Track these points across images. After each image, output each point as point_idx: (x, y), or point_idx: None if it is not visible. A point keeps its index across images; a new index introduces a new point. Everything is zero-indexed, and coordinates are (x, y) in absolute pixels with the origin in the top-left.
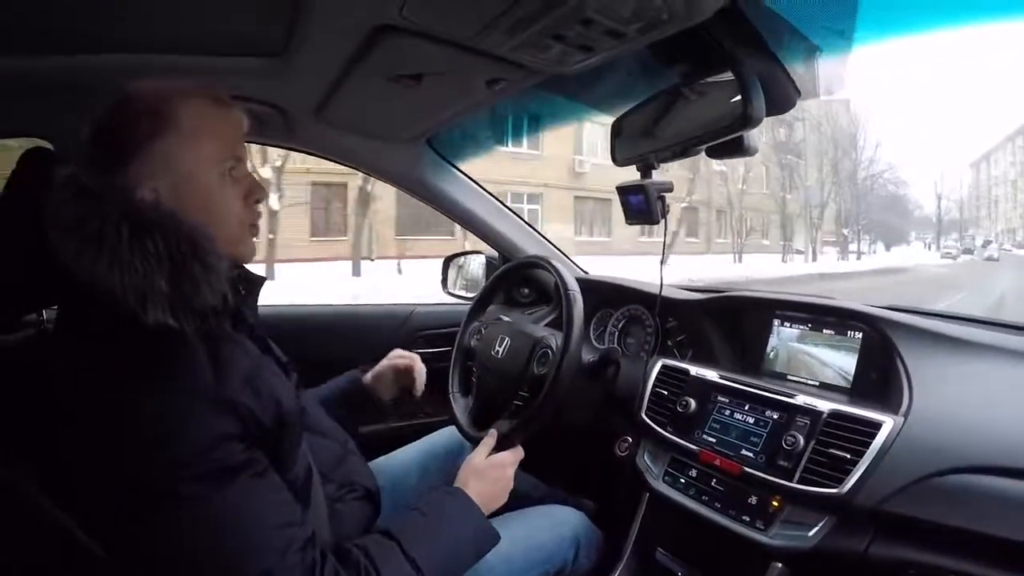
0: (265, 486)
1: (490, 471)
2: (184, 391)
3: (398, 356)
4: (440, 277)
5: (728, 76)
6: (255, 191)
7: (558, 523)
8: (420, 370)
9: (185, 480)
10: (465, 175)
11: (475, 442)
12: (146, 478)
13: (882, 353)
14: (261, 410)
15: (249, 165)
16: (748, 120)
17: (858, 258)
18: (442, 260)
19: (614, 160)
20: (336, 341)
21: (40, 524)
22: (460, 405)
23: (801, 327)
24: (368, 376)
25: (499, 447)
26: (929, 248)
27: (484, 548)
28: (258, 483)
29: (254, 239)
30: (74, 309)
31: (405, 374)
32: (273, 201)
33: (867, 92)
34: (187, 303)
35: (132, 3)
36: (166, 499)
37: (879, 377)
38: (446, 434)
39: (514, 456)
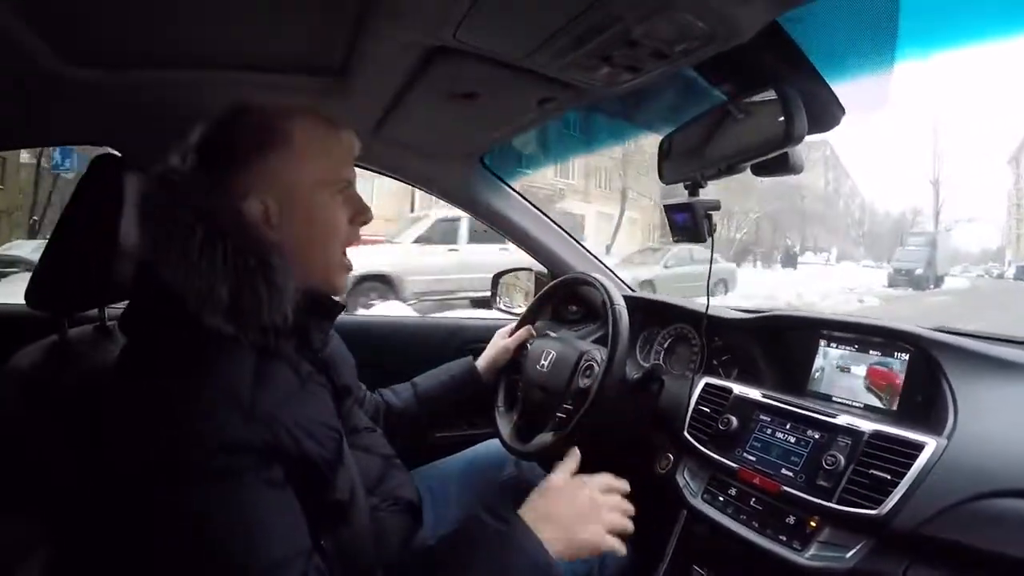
0: (273, 498)
1: (574, 489)
2: (219, 393)
3: (506, 336)
4: (489, 292)
5: (773, 95)
6: (362, 213)
7: None
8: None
9: (190, 473)
10: (516, 192)
11: (519, 455)
12: (156, 462)
13: (928, 374)
14: (295, 432)
15: None
16: (790, 138)
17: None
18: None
19: (662, 179)
20: (388, 352)
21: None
22: (504, 418)
23: (847, 348)
24: (481, 361)
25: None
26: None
27: None
28: (265, 492)
29: (348, 272)
30: (142, 303)
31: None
32: None
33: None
34: (245, 316)
35: (198, 22)
36: (169, 486)
37: (925, 399)
38: (489, 447)
39: (606, 482)
